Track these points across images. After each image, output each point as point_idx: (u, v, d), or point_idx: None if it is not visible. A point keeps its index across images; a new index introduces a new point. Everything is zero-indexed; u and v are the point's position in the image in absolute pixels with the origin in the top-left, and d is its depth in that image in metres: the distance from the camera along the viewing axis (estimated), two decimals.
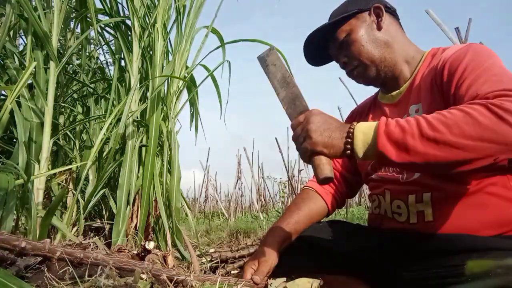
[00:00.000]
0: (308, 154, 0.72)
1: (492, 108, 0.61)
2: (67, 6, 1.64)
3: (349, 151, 0.70)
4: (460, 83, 0.75)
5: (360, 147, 0.69)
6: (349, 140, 0.70)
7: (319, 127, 0.71)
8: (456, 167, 0.63)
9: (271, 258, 0.94)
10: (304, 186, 1.17)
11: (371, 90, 1.18)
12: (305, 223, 1.05)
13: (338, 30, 0.97)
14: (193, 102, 2.07)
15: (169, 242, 1.55)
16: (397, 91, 0.98)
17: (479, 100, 0.65)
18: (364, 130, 0.69)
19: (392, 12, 1.00)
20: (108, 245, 1.47)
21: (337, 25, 0.97)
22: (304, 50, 1.05)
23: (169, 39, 1.94)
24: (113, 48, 2.14)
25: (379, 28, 0.96)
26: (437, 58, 0.90)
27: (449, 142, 0.61)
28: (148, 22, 1.83)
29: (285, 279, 0.94)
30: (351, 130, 0.70)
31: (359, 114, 1.16)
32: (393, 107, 0.98)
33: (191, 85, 2.03)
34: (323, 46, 1.03)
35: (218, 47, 2.01)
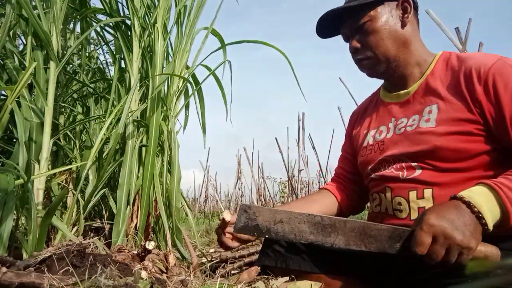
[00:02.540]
0: (470, 258, 0.68)
1: None
2: (67, 6, 1.64)
3: (486, 227, 0.70)
4: None
5: (491, 224, 0.70)
6: (483, 221, 0.69)
7: (465, 232, 0.67)
8: None
9: None
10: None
11: (371, 90, 1.18)
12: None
13: (363, 12, 0.93)
14: (188, 107, 2.08)
15: (169, 242, 1.55)
16: (405, 90, 0.97)
17: None
18: (490, 208, 0.70)
19: (416, 8, 0.98)
20: (108, 245, 1.47)
21: (364, 7, 0.93)
22: (319, 21, 1.01)
23: (170, 39, 1.94)
24: (112, 48, 2.14)
25: (403, 25, 0.94)
26: (452, 64, 0.89)
27: None
28: (148, 22, 1.83)
29: (286, 278, 0.94)
30: (475, 209, 0.69)
31: (360, 115, 1.16)
32: (400, 107, 0.98)
33: (191, 83, 2.03)
34: (338, 20, 0.99)
35: (219, 48, 2.01)
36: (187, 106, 2.07)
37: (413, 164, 0.89)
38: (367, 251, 0.75)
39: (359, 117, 1.16)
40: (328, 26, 1.03)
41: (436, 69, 0.93)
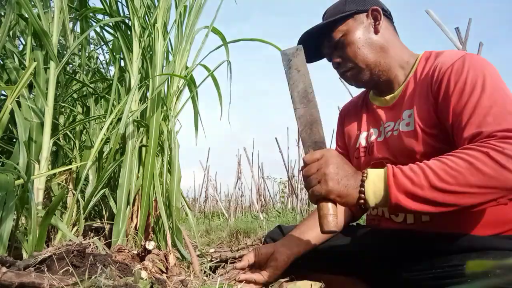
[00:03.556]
0: (318, 199, 0.72)
1: (494, 157, 0.65)
2: (67, 6, 1.64)
3: (362, 201, 0.71)
4: (460, 109, 0.76)
5: (372, 198, 0.70)
6: (362, 189, 0.70)
7: (337, 174, 0.71)
8: (464, 209, 0.68)
9: (281, 267, 0.92)
10: None
11: None
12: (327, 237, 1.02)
13: (334, 29, 0.97)
14: (195, 102, 2.08)
15: (169, 242, 1.55)
16: (391, 95, 0.98)
17: (480, 147, 0.67)
18: (374, 180, 0.71)
19: (388, 15, 1.00)
20: (108, 245, 1.47)
21: (334, 24, 0.97)
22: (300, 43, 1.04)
23: (170, 39, 1.94)
24: (112, 48, 2.14)
25: (376, 31, 0.96)
26: (429, 64, 0.90)
27: (456, 191, 0.66)
28: (148, 22, 1.83)
29: (287, 278, 0.94)
30: (364, 178, 0.71)
31: (349, 113, 1.15)
32: (387, 111, 0.99)
33: (191, 84, 2.03)
34: (317, 43, 1.02)
35: (219, 46, 2.01)
36: (194, 102, 2.07)
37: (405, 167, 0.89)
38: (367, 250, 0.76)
39: (349, 114, 1.15)
40: (309, 50, 1.05)
41: (417, 71, 0.93)
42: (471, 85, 0.76)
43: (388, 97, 0.99)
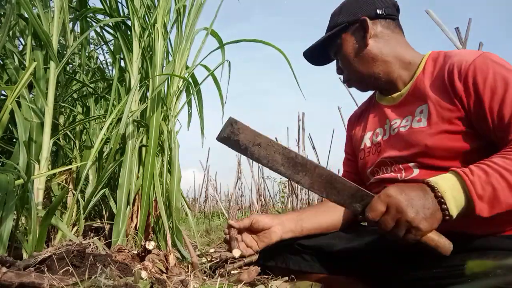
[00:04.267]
0: (416, 241, 0.71)
1: None
2: (67, 6, 1.64)
3: (447, 217, 0.71)
4: (497, 106, 0.78)
5: (455, 211, 0.70)
6: (444, 206, 0.70)
7: (418, 212, 0.69)
8: None
9: (271, 243, 0.97)
10: None
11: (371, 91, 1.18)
12: (326, 227, 1.06)
13: (331, 43, 1.02)
14: (191, 103, 2.08)
15: (169, 242, 1.55)
16: (398, 93, 0.98)
17: None
18: (454, 195, 0.70)
19: (387, 15, 0.98)
20: (108, 245, 1.47)
21: (330, 39, 1.01)
22: (304, 56, 1.10)
23: (169, 39, 1.94)
24: (112, 48, 2.14)
25: (366, 43, 0.96)
26: (440, 62, 0.90)
27: None
28: (148, 22, 1.83)
29: (286, 278, 0.94)
30: (439, 194, 0.70)
31: (358, 117, 1.16)
32: (394, 109, 0.99)
33: (191, 84, 2.03)
34: (322, 49, 1.07)
35: (218, 48, 2.01)
36: (189, 104, 2.07)
37: (410, 164, 0.89)
38: (367, 250, 0.76)
39: (357, 119, 1.16)
40: (317, 59, 1.11)
41: (425, 70, 0.93)
42: (502, 81, 0.77)
43: (395, 95, 0.99)
